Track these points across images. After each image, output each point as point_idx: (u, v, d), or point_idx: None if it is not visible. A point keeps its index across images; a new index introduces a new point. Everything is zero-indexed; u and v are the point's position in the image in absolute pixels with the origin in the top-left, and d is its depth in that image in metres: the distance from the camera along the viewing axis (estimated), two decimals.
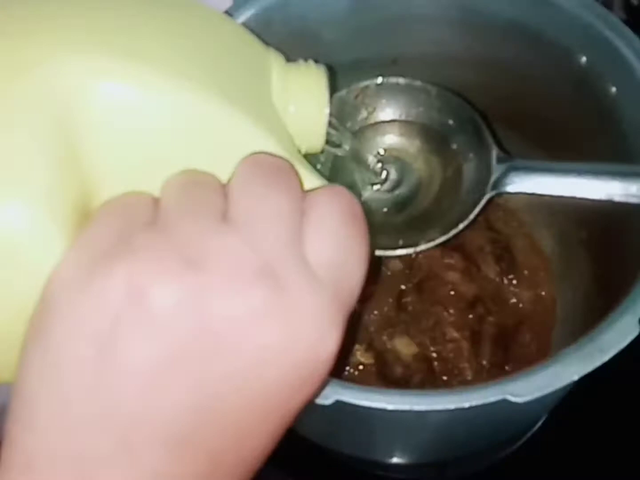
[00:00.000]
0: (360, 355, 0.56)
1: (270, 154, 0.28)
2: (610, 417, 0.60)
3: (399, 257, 0.45)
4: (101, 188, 0.27)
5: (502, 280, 0.60)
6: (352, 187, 0.47)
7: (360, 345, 0.56)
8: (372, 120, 0.49)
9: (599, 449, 0.59)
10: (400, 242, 0.44)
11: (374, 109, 0.49)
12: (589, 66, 0.48)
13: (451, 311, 0.58)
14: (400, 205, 0.48)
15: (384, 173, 0.48)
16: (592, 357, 0.37)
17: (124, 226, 0.26)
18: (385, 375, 0.56)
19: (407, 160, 0.49)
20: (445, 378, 0.56)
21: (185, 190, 0.27)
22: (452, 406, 0.37)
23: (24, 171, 0.25)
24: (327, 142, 0.34)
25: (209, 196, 0.27)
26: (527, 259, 0.61)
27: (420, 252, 0.44)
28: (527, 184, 0.44)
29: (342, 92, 0.48)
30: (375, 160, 0.48)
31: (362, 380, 0.56)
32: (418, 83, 0.48)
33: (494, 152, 0.45)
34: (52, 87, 0.25)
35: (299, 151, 0.32)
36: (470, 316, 0.58)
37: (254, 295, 0.25)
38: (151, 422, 0.24)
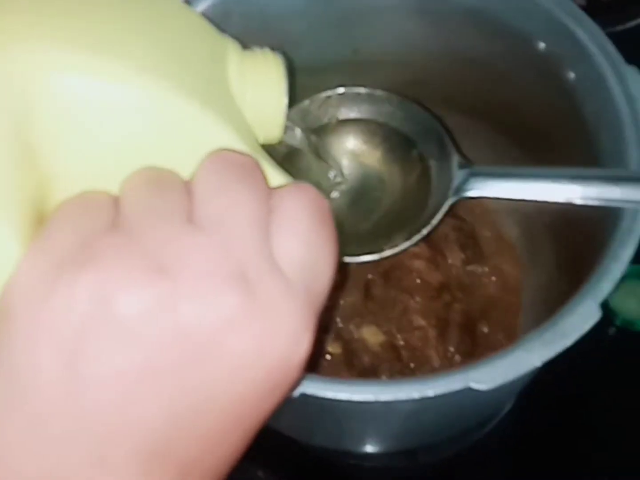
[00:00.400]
0: (328, 345, 0.56)
1: (234, 151, 0.28)
2: (577, 401, 0.61)
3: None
4: (57, 187, 0.26)
5: (468, 267, 0.60)
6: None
7: (328, 335, 0.56)
8: (334, 128, 0.50)
9: (566, 432, 0.59)
10: (365, 249, 0.45)
11: (337, 119, 0.50)
12: (548, 52, 0.48)
13: (418, 299, 0.58)
14: (364, 211, 0.49)
15: (347, 176, 0.49)
16: (555, 342, 0.38)
17: (85, 229, 0.25)
18: (353, 365, 0.56)
19: (370, 167, 0.50)
20: (412, 366, 0.56)
21: (147, 189, 0.26)
22: (416, 395, 0.37)
23: None
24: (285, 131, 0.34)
25: (173, 196, 0.26)
26: (492, 245, 0.62)
27: (385, 257, 0.45)
28: (487, 189, 0.45)
29: (305, 103, 0.49)
30: (338, 163, 0.48)
31: (330, 370, 0.56)
32: (379, 92, 0.49)
33: (455, 159, 0.46)
34: (7, 80, 0.24)
35: (260, 145, 0.32)
36: (437, 304, 0.58)
37: (225, 300, 0.24)
38: (123, 435, 0.23)
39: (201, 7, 0.47)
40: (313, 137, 0.45)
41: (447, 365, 0.56)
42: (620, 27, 0.69)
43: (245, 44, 0.34)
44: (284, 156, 0.46)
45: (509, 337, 0.58)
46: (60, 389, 0.23)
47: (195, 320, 0.24)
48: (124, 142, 0.26)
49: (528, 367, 0.37)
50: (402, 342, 0.57)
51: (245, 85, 0.31)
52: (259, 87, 0.31)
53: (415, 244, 0.46)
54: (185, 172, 0.27)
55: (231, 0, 0.49)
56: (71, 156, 0.26)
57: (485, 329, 0.58)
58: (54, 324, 0.23)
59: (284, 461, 0.60)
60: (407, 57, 0.56)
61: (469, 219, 0.62)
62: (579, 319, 0.38)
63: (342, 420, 0.49)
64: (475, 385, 0.37)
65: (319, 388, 0.37)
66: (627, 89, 0.44)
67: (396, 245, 0.45)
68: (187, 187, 0.26)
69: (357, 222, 0.48)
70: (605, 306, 0.61)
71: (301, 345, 0.26)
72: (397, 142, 0.49)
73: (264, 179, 0.28)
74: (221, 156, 0.27)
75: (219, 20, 0.47)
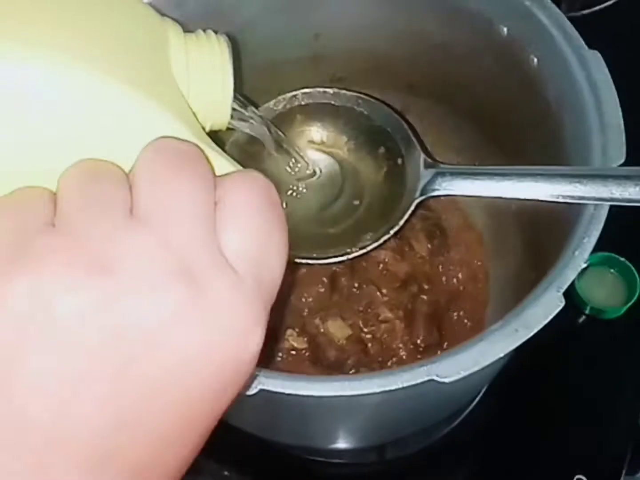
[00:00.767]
0: (293, 340, 0.55)
1: (176, 139, 0.26)
2: (548, 392, 0.60)
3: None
4: None
5: (435, 257, 0.59)
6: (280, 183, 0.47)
7: (292, 329, 0.55)
8: (300, 128, 0.49)
9: (536, 424, 0.59)
10: (332, 250, 0.45)
11: (303, 118, 0.49)
12: (511, 37, 0.48)
13: (384, 291, 0.57)
14: (331, 211, 0.48)
15: (311, 165, 0.48)
16: (517, 333, 0.37)
17: (21, 227, 0.23)
18: (319, 360, 0.55)
19: (336, 166, 0.50)
20: (380, 359, 0.55)
21: (85, 183, 0.24)
22: (378, 390, 0.36)
23: None
24: (233, 117, 0.32)
25: (113, 189, 0.24)
26: (459, 235, 0.61)
27: (352, 259, 0.45)
28: (454, 188, 0.45)
29: (270, 103, 0.48)
30: (300, 152, 0.47)
31: (295, 366, 0.55)
32: (346, 92, 0.49)
33: (421, 158, 0.46)
34: None
35: (205, 131, 0.31)
36: (403, 295, 0.57)
37: (169, 297, 0.23)
38: (67, 443, 0.22)
39: None
40: (273, 128, 0.44)
41: (414, 358, 0.55)
42: (583, 12, 0.69)
43: (199, 29, 0.32)
44: (246, 149, 0.45)
45: (476, 328, 0.57)
46: None
47: (137, 318, 0.22)
48: (60, 134, 0.25)
49: (490, 359, 0.36)
50: (368, 336, 0.56)
51: (189, 69, 0.29)
52: (204, 71, 0.30)
53: (383, 244, 0.46)
54: (126, 164, 0.26)
55: None
56: (3, 150, 0.25)
57: (453, 321, 0.58)
58: None
59: (248, 460, 0.59)
60: (370, 43, 0.55)
61: (435, 209, 0.61)
62: (542, 309, 0.37)
63: (307, 417, 0.49)
64: (438, 379, 0.36)
65: (279, 385, 0.36)
66: (589, 73, 0.44)
67: (364, 247, 0.45)
68: (127, 180, 0.25)
69: (323, 222, 0.48)
70: (574, 295, 0.62)
71: (252, 340, 0.25)
72: (363, 141, 0.49)
73: (210, 167, 0.26)
74: (161, 144, 0.26)
75: (175, 6, 0.47)
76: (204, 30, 0.31)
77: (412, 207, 0.45)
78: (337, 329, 0.56)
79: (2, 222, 0.24)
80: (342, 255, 0.45)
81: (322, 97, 0.49)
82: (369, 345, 0.55)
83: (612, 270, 0.63)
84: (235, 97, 0.31)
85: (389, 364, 0.55)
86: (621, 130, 0.42)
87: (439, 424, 0.57)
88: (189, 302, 0.23)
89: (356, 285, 0.57)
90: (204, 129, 0.30)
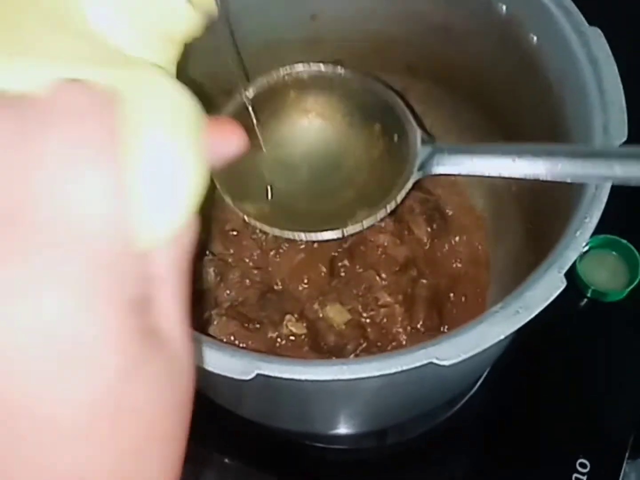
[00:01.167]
0: (292, 326, 0.54)
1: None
2: (550, 376, 0.60)
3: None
4: None
5: (434, 241, 0.59)
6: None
7: (291, 315, 0.55)
8: (295, 102, 0.48)
9: (537, 409, 0.58)
10: (328, 226, 0.44)
11: (297, 94, 0.48)
12: (509, 15, 0.47)
13: (383, 275, 0.56)
14: (328, 188, 0.47)
15: (309, 149, 0.48)
16: (518, 315, 0.36)
17: None
18: (319, 345, 0.54)
19: (333, 143, 0.48)
20: (379, 344, 0.55)
21: None
22: (377, 373, 0.36)
23: None
24: None
25: None
26: (459, 218, 0.60)
27: (349, 235, 0.44)
28: (452, 165, 0.43)
29: (263, 79, 0.47)
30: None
31: (294, 352, 0.54)
32: (340, 69, 0.47)
33: (418, 135, 0.45)
34: None
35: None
36: (403, 279, 0.56)
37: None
38: None
39: None
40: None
41: (415, 343, 0.54)
42: None
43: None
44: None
45: (478, 311, 0.56)
46: None
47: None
48: None
49: (492, 341, 0.36)
50: (368, 320, 0.55)
51: None
52: None
53: (380, 221, 0.45)
54: None
55: None
56: None
57: (454, 304, 0.57)
58: None
59: (250, 446, 0.58)
60: (367, 24, 0.54)
61: (435, 192, 0.61)
62: (542, 290, 0.37)
63: (307, 402, 0.48)
64: (437, 362, 0.35)
65: (275, 369, 0.36)
66: (590, 50, 0.43)
67: (359, 222, 0.44)
68: None
69: (320, 198, 0.47)
70: (576, 278, 0.61)
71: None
72: (359, 117, 0.48)
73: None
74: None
75: None
76: None
77: (410, 185, 0.44)
78: (336, 314, 0.55)
79: None
80: (335, 230, 0.44)
81: (317, 73, 0.48)
82: (369, 330, 0.55)
83: (613, 253, 0.63)
84: None
85: (388, 348, 0.54)
86: (623, 108, 0.41)
87: (439, 408, 0.56)
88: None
89: (355, 270, 0.57)
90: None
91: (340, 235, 0.44)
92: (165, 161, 0.22)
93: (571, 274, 0.61)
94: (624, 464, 0.56)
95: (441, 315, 0.56)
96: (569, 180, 0.40)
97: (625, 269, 0.62)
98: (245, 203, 0.44)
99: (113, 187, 0.21)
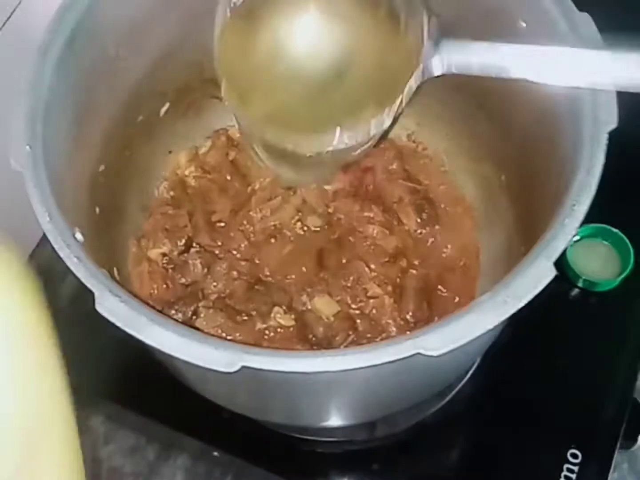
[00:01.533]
0: (280, 318, 0.53)
1: None
2: (541, 367, 0.59)
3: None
4: None
5: (424, 231, 0.58)
6: None
7: (279, 307, 0.54)
8: None
9: (528, 400, 0.58)
10: (330, 124, 0.43)
11: None
12: (498, 1, 0.46)
13: (372, 266, 0.56)
14: (325, 80, 0.45)
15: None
16: (507, 304, 0.36)
17: None
18: (307, 337, 0.53)
19: (332, 31, 0.45)
20: (369, 335, 0.54)
21: None
22: (364, 364, 0.35)
23: None
24: None
25: None
26: (448, 208, 0.59)
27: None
28: (461, 57, 0.43)
29: None
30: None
31: (282, 344, 0.53)
32: None
33: (426, 25, 0.43)
34: None
35: None
36: (392, 270, 0.56)
37: None
38: None
39: None
40: None
41: (405, 334, 0.54)
42: None
43: None
44: None
45: (468, 302, 0.55)
46: None
47: None
48: None
49: (480, 331, 0.35)
50: (357, 312, 0.55)
51: None
52: None
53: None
54: None
55: None
56: None
57: (443, 295, 0.56)
58: None
59: (239, 440, 0.58)
60: None
61: (424, 182, 0.60)
62: (532, 279, 0.36)
63: (295, 395, 0.47)
64: (425, 352, 0.35)
65: (260, 361, 0.35)
66: (579, 36, 0.42)
67: (367, 120, 0.42)
68: None
69: (323, 95, 0.45)
70: (567, 268, 0.61)
71: None
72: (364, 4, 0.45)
73: None
74: None
75: None
76: None
77: (419, 73, 0.42)
78: (325, 306, 0.54)
79: None
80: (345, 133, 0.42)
81: None
82: (358, 321, 0.54)
83: (605, 242, 0.62)
84: None
85: (378, 339, 0.54)
86: (613, 92, 0.41)
87: (430, 400, 0.56)
88: None
89: (343, 261, 0.56)
90: None
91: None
92: None
93: (562, 263, 0.60)
94: (615, 454, 0.56)
95: (431, 306, 0.55)
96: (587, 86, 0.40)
97: (617, 258, 0.62)
98: (250, 105, 0.43)
99: None
